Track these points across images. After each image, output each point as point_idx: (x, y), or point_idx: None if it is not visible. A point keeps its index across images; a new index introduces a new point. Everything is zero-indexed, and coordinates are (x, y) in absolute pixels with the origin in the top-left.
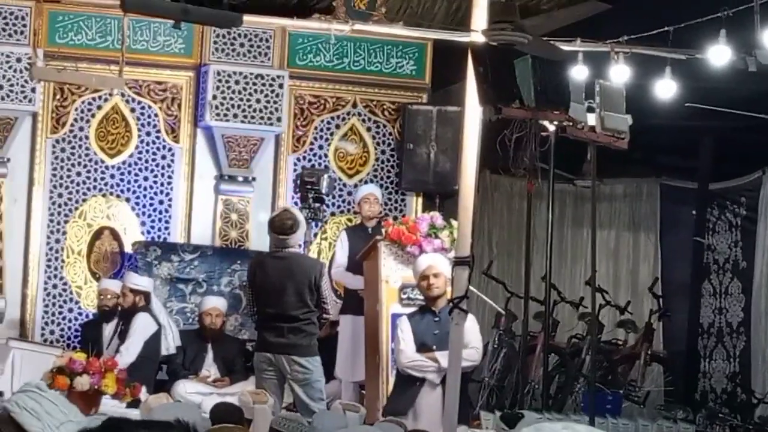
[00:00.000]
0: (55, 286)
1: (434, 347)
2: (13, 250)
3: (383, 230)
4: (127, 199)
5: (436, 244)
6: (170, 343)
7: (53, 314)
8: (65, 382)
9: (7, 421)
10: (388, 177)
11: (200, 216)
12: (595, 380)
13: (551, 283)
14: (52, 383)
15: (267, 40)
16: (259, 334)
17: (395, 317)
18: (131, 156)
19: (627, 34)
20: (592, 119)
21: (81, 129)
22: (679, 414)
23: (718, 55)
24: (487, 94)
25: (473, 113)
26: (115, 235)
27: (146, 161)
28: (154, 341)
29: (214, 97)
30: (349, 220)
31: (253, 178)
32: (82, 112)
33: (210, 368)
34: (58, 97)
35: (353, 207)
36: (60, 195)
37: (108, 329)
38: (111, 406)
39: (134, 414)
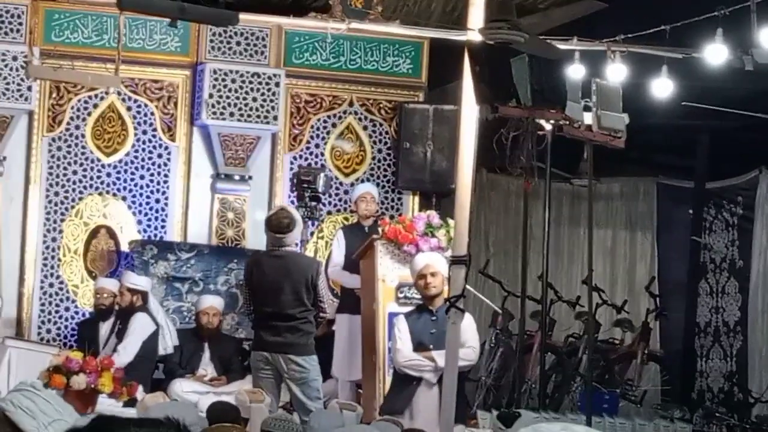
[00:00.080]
0: (51, 285)
1: (431, 346)
2: (9, 249)
3: (380, 229)
4: (124, 198)
5: (433, 243)
6: (168, 343)
7: (50, 313)
8: (62, 380)
9: (2, 420)
10: (385, 176)
11: (197, 215)
12: (592, 379)
13: (548, 282)
14: (48, 382)
15: (263, 39)
16: (255, 333)
17: (392, 316)
18: (127, 154)
19: (623, 32)
20: (588, 118)
21: (77, 127)
22: (676, 413)
23: (715, 54)
24: (484, 92)
25: (470, 112)
26: (111, 234)
27: (142, 160)
28: (151, 341)
29: (211, 96)
30: (346, 218)
31: (250, 177)
32: (79, 110)
33: (207, 367)
34: (54, 95)
35: (350, 206)
36: (56, 193)
37: (104, 328)
38: (107, 405)
39: (131, 413)
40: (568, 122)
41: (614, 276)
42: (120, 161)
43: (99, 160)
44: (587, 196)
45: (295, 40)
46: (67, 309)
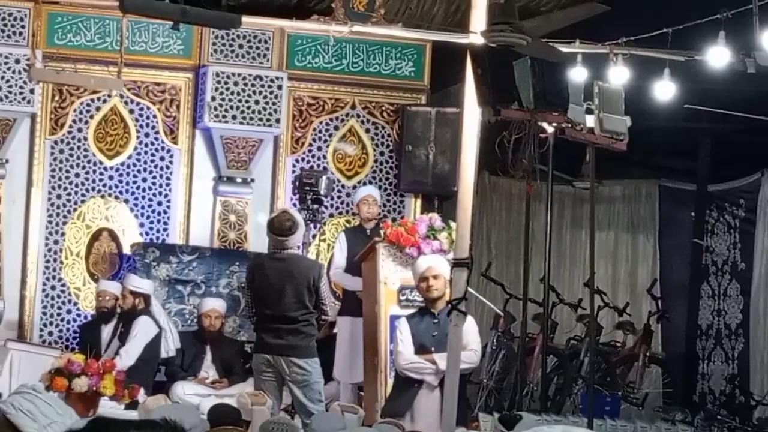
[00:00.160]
0: (53, 288)
1: (433, 349)
2: (11, 252)
3: (382, 232)
4: (126, 201)
5: (435, 245)
6: (170, 346)
7: (52, 315)
8: (64, 383)
9: (3, 422)
10: (387, 178)
11: (199, 217)
12: (593, 382)
13: (550, 285)
14: (50, 385)
15: (266, 42)
16: (257, 336)
17: (393, 319)
18: (130, 157)
19: (626, 35)
20: (590, 121)
21: (80, 130)
22: (678, 416)
23: (717, 56)
24: (486, 95)
25: (472, 115)
26: (113, 237)
27: (145, 162)
28: (154, 344)
29: (213, 99)
30: (348, 221)
31: (252, 180)
32: (81, 113)
33: (208, 370)
34: (56, 98)
35: (352, 208)
36: (59, 196)
37: (106, 331)
38: (109, 408)
39: (132, 416)
40: (570, 125)
41: (616, 278)
42: (122, 164)
43: (101, 162)
44: (589, 199)
45: (298, 43)
46: (69, 312)
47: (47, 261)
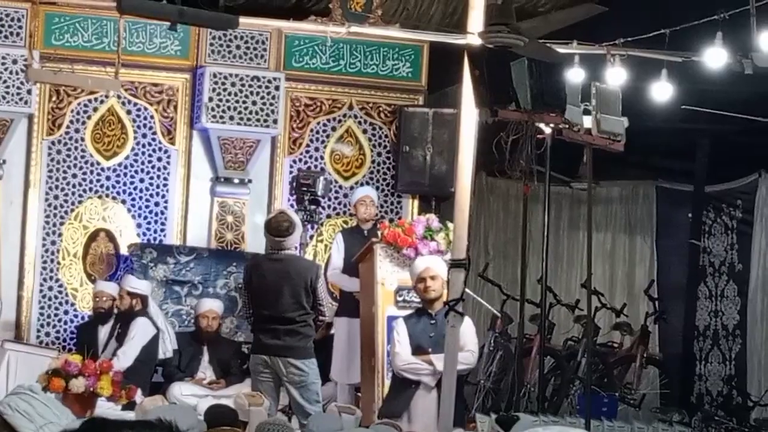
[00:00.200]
0: (50, 288)
1: (430, 350)
2: (8, 252)
3: (379, 232)
4: (123, 201)
5: (432, 246)
6: (168, 347)
7: (49, 316)
8: (61, 384)
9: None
10: (384, 179)
11: (196, 218)
12: (590, 383)
13: (547, 286)
14: (47, 385)
15: (263, 42)
16: (255, 337)
17: (391, 320)
18: (127, 158)
19: (623, 36)
20: (588, 122)
21: (77, 131)
22: (675, 417)
23: (715, 57)
24: (483, 96)
25: (469, 116)
26: (110, 237)
27: (142, 163)
28: (152, 345)
29: (210, 99)
30: (345, 222)
31: (249, 180)
32: (78, 113)
33: (206, 370)
34: (54, 98)
35: (349, 209)
36: (56, 197)
37: (103, 331)
38: (106, 409)
39: (130, 416)
40: (567, 126)
41: (613, 279)
42: (120, 164)
43: (99, 163)
44: (586, 200)
45: (295, 44)
46: (66, 312)
47: (44, 262)
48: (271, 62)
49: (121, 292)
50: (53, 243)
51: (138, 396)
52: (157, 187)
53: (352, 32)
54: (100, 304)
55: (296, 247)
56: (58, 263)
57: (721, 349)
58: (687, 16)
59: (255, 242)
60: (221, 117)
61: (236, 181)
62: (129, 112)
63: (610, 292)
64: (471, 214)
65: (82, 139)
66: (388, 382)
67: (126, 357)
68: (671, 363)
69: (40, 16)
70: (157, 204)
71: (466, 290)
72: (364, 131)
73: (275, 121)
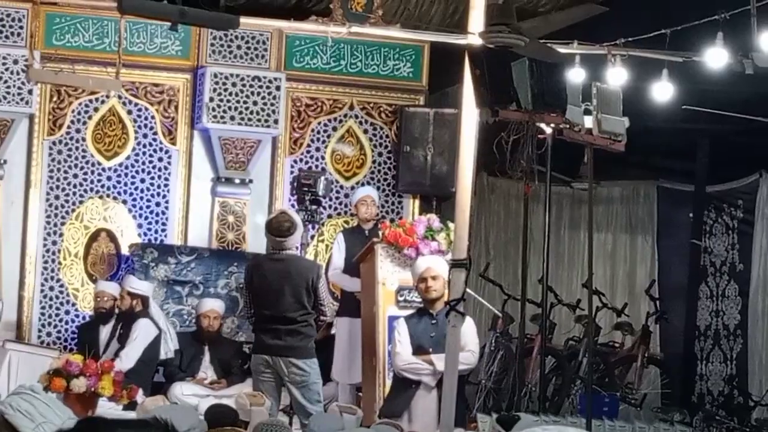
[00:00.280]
0: (51, 288)
1: (430, 350)
2: (9, 252)
3: (380, 232)
4: (124, 201)
5: (433, 246)
6: (170, 347)
7: (50, 316)
8: (62, 384)
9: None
10: (385, 179)
11: (197, 218)
12: (591, 383)
13: (548, 286)
14: (48, 385)
15: (264, 43)
16: (256, 337)
17: (392, 319)
18: (128, 158)
19: (624, 36)
20: (588, 122)
21: (78, 131)
22: (676, 416)
23: (715, 57)
24: (484, 96)
25: (470, 116)
26: (111, 237)
27: (143, 163)
28: (154, 346)
29: (211, 99)
30: (346, 222)
31: (250, 181)
32: (79, 114)
33: (207, 370)
34: (54, 99)
35: (350, 209)
36: (57, 197)
37: (105, 331)
38: (108, 408)
39: (131, 416)
40: (568, 126)
41: (614, 279)
42: (120, 165)
43: (99, 163)
44: (587, 200)
45: (296, 44)
46: (67, 312)
47: (45, 262)
48: (272, 62)
49: (121, 292)
50: (54, 243)
51: (139, 396)
52: (158, 187)
53: (353, 32)
54: (101, 304)
55: (297, 247)
56: (59, 263)
57: (722, 349)
58: (688, 16)
59: (256, 242)
60: (222, 117)
61: (237, 181)
62: (130, 113)
63: (611, 291)
64: (472, 214)
65: (83, 139)
66: (389, 382)
67: (128, 358)
68: (672, 363)
69: (41, 16)
70: (158, 204)
71: (467, 290)
72: (365, 131)
73: (276, 122)
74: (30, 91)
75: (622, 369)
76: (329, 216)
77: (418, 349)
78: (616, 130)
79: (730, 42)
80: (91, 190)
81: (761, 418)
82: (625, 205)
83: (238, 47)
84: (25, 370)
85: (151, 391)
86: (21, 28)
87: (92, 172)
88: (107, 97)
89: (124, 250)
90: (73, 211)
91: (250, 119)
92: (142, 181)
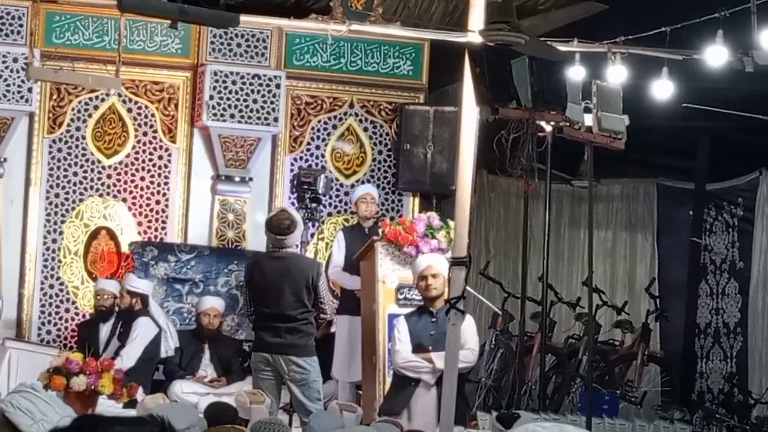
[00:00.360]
0: (51, 286)
1: (430, 348)
2: (9, 250)
3: (380, 230)
4: (124, 200)
5: (433, 244)
6: (170, 345)
7: (50, 314)
8: (62, 382)
9: (1, 421)
10: (385, 177)
11: (197, 216)
12: (592, 381)
13: (548, 284)
14: (48, 383)
15: (264, 41)
16: (256, 335)
17: (392, 317)
18: (128, 156)
19: (624, 34)
20: (589, 120)
21: (78, 129)
22: (676, 414)
23: (716, 55)
24: (484, 94)
25: (470, 114)
26: (111, 235)
27: (143, 161)
28: (154, 345)
29: (211, 97)
30: (346, 220)
31: (250, 179)
32: (79, 112)
33: (207, 368)
34: (54, 97)
35: (350, 207)
36: (57, 195)
37: (105, 330)
38: (108, 407)
39: (131, 414)
40: (568, 124)
41: (614, 277)
42: (120, 163)
43: (99, 161)
44: (587, 198)
45: (296, 42)
46: (67, 310)
47: (45, 260)
48: (272, 60)
49: (121, 290)
50: (54, 241)
51: (139, 394)
52: (158, 185)
53: (353, 30)
54: (101, 302)
55: (297, 246)
56: (59, 261)
57: (722, 347)
58: (688, 14)
59: (256, 240)
60: (222, 115)
61: (237, 179)
62: (130, 111)
63: (611, 289)
64: (472, 212)
65: (83, 138)
66: (389, 380)
67: (129, 357)
68: (672, 361)
69: (41, 14)
70: (158, 202)
71: (467, 288)
72: (365, 129)
73: (276, 119)
74: (30, 89)
75: (622, 367)
76: (329, 214)
77: (418, 347)
78: (616, 128)
79: (730, 40)
80: (91, 188)
81: (761, 416)
82: (625, 202)
83: (238, 45)
84: (25, 368)
85: (151, 389)
86: (21, 26)
87: (92, 170)
88: (107, 95)
89: (124, 248)
90: (73, 209)
91: (250, 117)
92: (142, 179)
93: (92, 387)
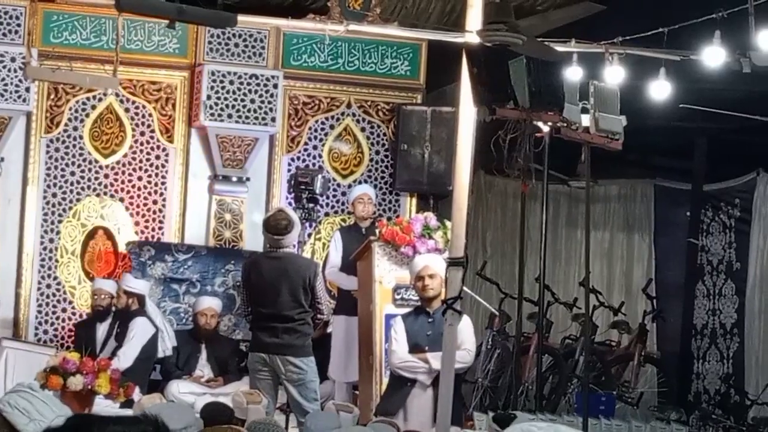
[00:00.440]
0: (48, 286)
1: (426, 348)
2: (6, 250)
3: (377, 231)
4: (121, 199)
5: (430, 244)
6: (167, 345)
7: (47, 314)
8: (59, 382)
9: None
10: (382, 177)
11: (194, 216)
12: (588, 381)
13: (545, 284)
14: (45, 383)
15: (261, 41)
16: (253, 335)
17: (389, 318)
18: (125, 156)
19: (621, 35)
20: (586, 120)
21: (75, 129)
22: (673, 415)
23: (713, 56)
24: (482, 94)
25: (467, 114)
26: (109, 235)
27: (140, 161)
28: (151, 344)
29: (209, 97)
30: (343, 220)
31: (247, 179)
32: (77, 111)
33: (203, 368)
34: (52, 96)
35: (347, 207)
36: (54, 195)
37: (102, 329)
38: (104, 406)
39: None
40: (565, 124)
41: (611, 278)
42: (118, 162)
43: (97, 161)
44: (585, 198)
45: (293, 42)
46: (64, 310)
47: (42, 259)
48: (270, 60)
49: (118, 290)
50: (51, 241)
51: (136, 394)
52: (155, 185)
53: (351, 30)
54: (98, 301)
55: (294, 246)
56: (56, 261)
57: (718, 348)
58: (685, 14)
59: (253, 240)
60: (219, 115)
61: (234, 179)
62: (127, 110)
63: (608, 290)
64: (469, 213)
65: (81, 137)
66: (386, 380)
67: (126, 357)
68: (669, 361)
69: (39, 13)
70: (155, 202)
71: (464, 288)
72: (363, 129)
73: (273, 119)
74: (27, 89)
75: (618, 368)
76: (326, 214)
77: (415, 348)
78: (613, 129)
79: (728, 40)
80: (89, 187)
81: (758, 416)
82: (622, 203)
83: (236, 45)
84: (21, 368)
85: (148, 389)
86: (19, 25)
87: (89, 170)
88: (104, 94)
89: (122, 248)
90: (71, 208)
91: (247, 117)
92: (140, 179)
93: (89, 387)
